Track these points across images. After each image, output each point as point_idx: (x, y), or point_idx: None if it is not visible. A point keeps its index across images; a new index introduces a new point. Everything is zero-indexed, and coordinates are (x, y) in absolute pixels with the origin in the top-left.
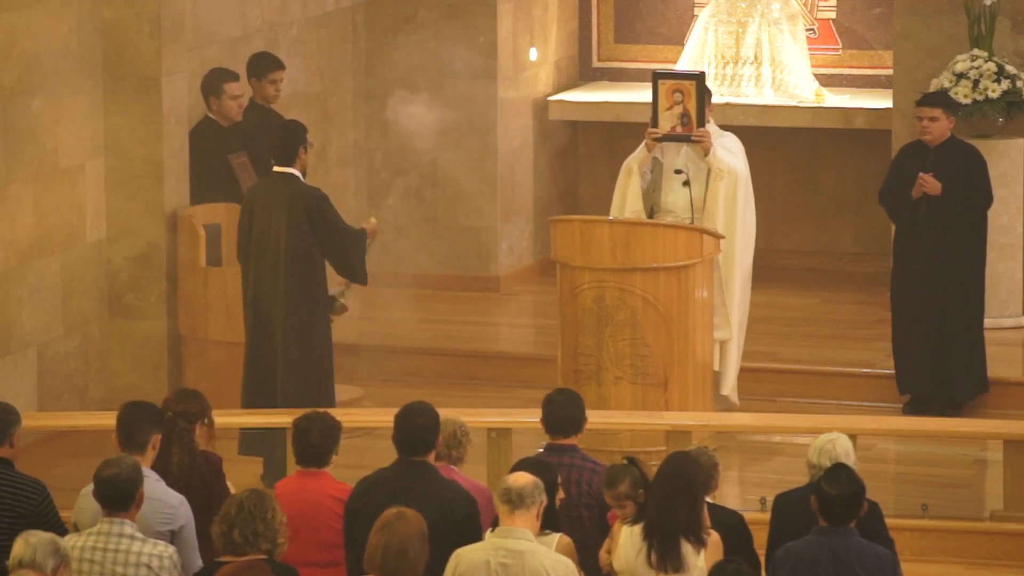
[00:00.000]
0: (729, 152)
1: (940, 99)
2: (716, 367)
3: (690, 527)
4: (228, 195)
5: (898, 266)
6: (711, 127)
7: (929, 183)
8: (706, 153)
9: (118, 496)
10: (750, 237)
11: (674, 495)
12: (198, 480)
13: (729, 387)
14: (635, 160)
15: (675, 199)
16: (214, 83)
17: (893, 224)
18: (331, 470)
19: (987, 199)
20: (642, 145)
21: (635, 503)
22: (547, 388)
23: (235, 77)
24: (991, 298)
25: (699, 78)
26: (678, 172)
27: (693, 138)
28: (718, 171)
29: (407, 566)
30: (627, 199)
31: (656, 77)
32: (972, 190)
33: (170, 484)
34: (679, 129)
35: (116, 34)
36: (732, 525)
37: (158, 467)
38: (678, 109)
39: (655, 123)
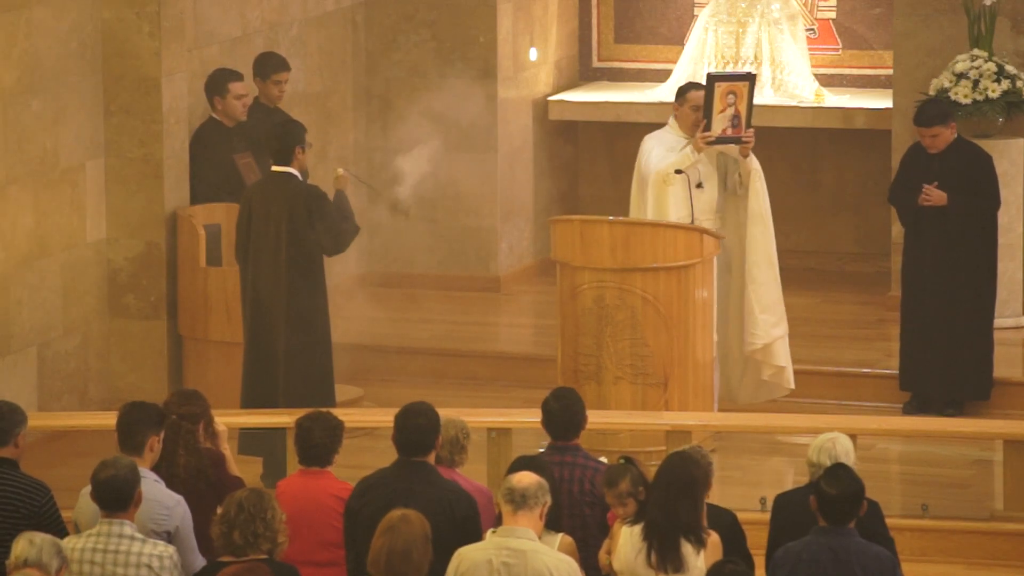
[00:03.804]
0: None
1: (935, 116)
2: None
3: (691, 527)
4: (234, 195)
5: (907, 266)
6: None
7: (933, 195)
8: (746, 155)
9: (116, 497)
10: None
11: (676, 496)
12: (204, 482)
13: (791, 378)
14: (673, 167)
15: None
16: (219, 83)
17: (901, 225)
18: (332, 470)
19: (995, 203)
20: (672, 149)
21: (636, 501)
22: (547, 388)
23: (239, 77)
24: None
25: (751, 80)
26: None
27: (744, 139)
28: (756, 172)
29: (411, 569)
30: (669, 207)
31: (712, 80)
32: (978, 195)
33: (177, 487)
34: (730, 131)
35: (116, 34)
36: (725, 524)
37: (165, 470)
38: (730, 111)
39: (709, 126)
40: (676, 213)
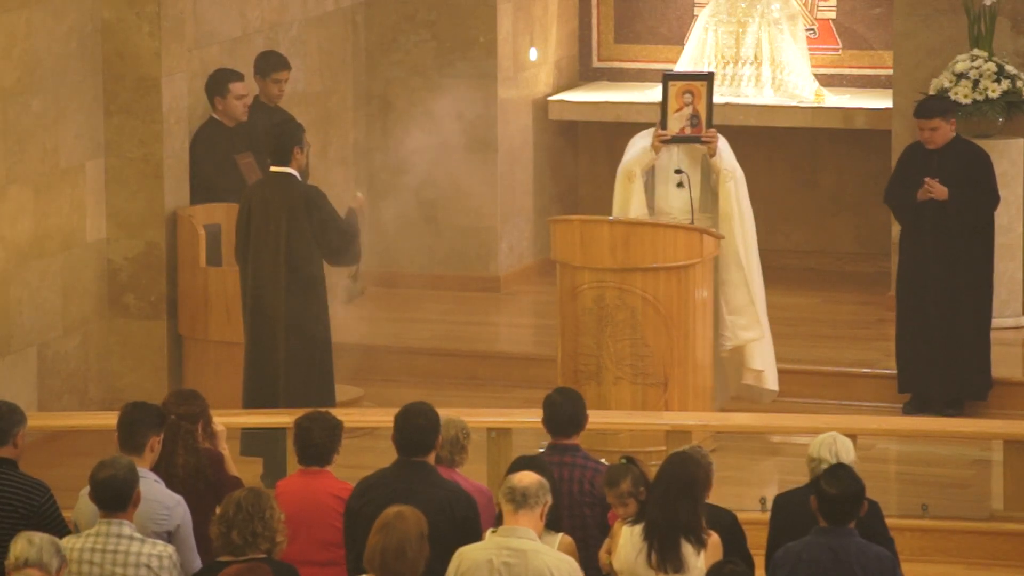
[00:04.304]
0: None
1: (936, 108)
2: (753, 370)
3: (691, 528)
4: (235, 195)
5: (904, 266)
6: None
7: (936, 188)
8: (712, 154)
9: (115, 497)
10: (754, 235)
11: (676, 496)
12: (203, 482)
13: (774, 380)
14: (637, 164)
15: (671, 201)
16: (219, 83)
17: (898, 224)
18: (332, 469)
19: (994, 200)
20: (642, 148)
21: (637, 501)
22: (547, 388)
23: (240, 77)
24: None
25: (709, 79)
26: (678, 172)
27: (703, 139)
28: (727, 172)
29: (406, 567)
30: (631, 204)
31: (666, 79)
32: (978, 191)
33: (176, 486)
34: (688, 130)
35: (116, 34)
36: (725, 524)
37: (164, 470)
38: (688, 110)
39: (664, 125)
40: (637, 211)
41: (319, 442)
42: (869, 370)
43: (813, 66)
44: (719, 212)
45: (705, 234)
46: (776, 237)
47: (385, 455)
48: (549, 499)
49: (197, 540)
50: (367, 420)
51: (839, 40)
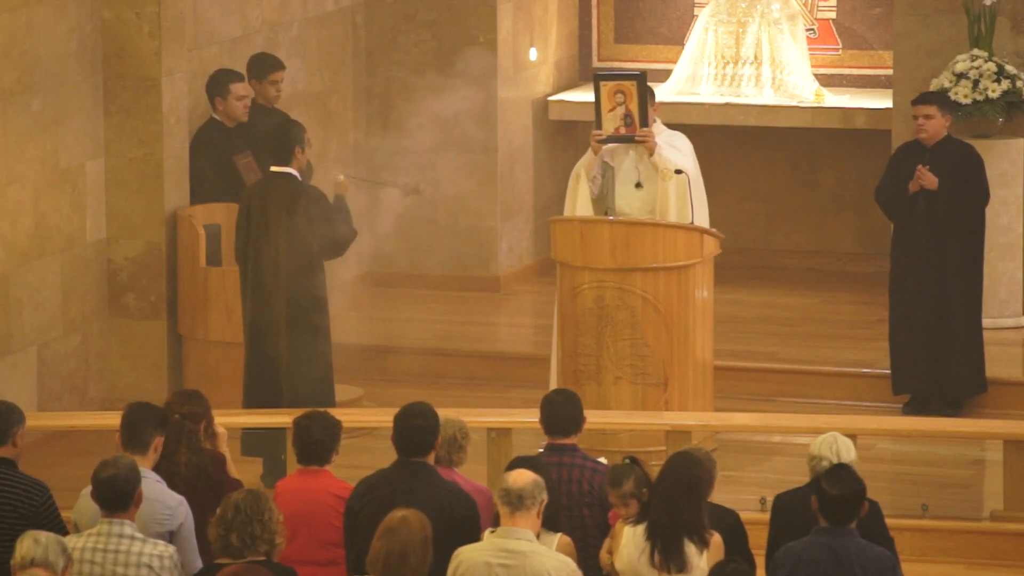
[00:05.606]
0: (677, 151)
1: (934, 97)
2: None
3: (694, 527)
4: (234, 195)
5: (896, 265)
6: (658, 126)
7: (926, 176)
8: (651, 153)
9: (117, 497)
10: None
11: (680, 496)
12: (204, 481)
13: None
14: (582, 166)
15: (629, 202)
16: (220, 84)
17: (891, 222)
18: (331, 469)
19: (984, 196)
20: (589, 149)
21: (639, 502)
22: (547, 388)
23: (240, 78)
24: (991, 298)
25: (639, 78)
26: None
27: (636, 138)
28: (665, 171)
29: (408, 572)
30: (577, 204)
31: (597, 79)
32: (969, 187)
33: (178, 486)
34: (623, 130)
35: (116, 34)
36: (728, 524)
37: (166, 469)
38: (621, 110)
39: (599, 125)
40: (582, 210)
41: (319, 439)
42: (869, 370)
43: (813, 66)
44: (658, 211)
45: (705, 234)
46: (776, 237)
47: (385, 455)
48: (545, 497)
49: (198, 540)
50: (367, 420)
51: (839, 40)
